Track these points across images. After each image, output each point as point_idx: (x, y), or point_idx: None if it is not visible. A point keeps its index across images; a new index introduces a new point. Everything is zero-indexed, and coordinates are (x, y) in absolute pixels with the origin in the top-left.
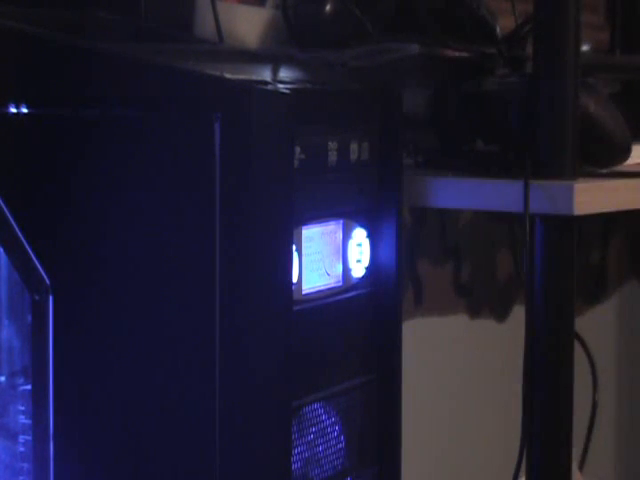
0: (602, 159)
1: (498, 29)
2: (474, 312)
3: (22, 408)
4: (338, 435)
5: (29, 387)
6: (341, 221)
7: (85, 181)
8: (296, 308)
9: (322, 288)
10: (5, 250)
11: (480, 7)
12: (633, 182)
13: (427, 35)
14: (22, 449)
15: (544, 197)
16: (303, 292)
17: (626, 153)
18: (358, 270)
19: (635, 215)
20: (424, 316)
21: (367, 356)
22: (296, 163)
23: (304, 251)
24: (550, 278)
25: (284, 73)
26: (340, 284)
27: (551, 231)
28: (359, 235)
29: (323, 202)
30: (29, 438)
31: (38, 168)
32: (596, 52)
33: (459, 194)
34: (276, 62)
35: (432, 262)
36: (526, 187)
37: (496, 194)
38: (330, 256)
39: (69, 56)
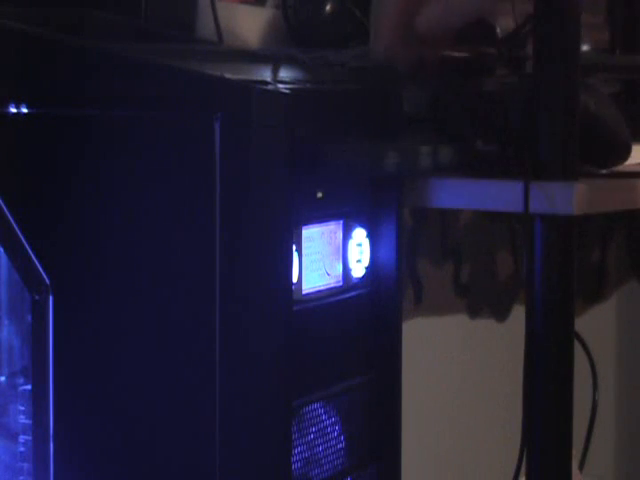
0: (602, 159)
1: (498, 29)
2: (474, 312)
3: (22, 408)
4: (338, 435)
5: (29, 387)
6: (341, 221)
7: (85, 181)
8: (296, 308)
9: (322, 288)
10: (5, 250)
11: None
12: (633, 182)
13: None
14: (22, 449)
15: (544, 197)
16: (303, 292)
17: (626, 153)
18: (358, 270)
19: (635, 215)
20: (424, 316)
21: (367, 356)
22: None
23: (304, 251)
24: (550, 278)
25: (284, 73)
26: (340, 284)
27: (551, 231)
28: (359, 235)
29: (323, 202)
30: (29, 438)
31: (38, 168)
32: (596, 52)
33: (459, 194)
34: (276, 62)
35: (432, 262)
36: (526, 187)
37: (496, 194)
38: (330, 256)
39: (69, 56)
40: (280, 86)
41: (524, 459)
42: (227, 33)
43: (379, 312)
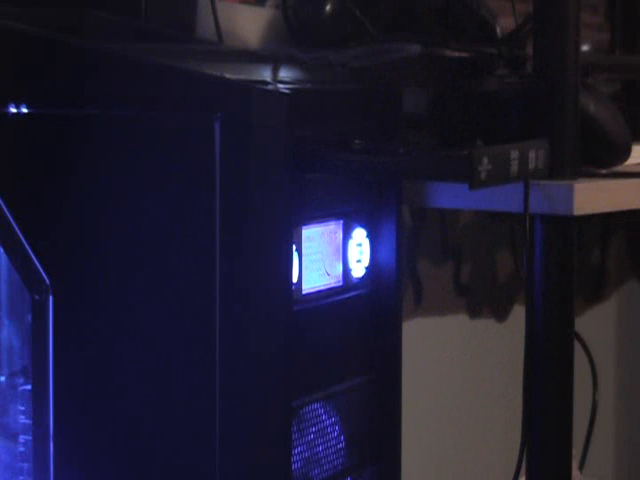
0: (602, 159)
1: (498, 29)
2: (474, 312)
3: (22, 408)
4: (338, 435)
5: (29, 387)
6: (341, 221)
7: (85, 181)
8: (296, 308)
9: (322, 288)
10: (5, 250)
11: (480, 7)
12: (633, 182)
13: (427, 35)
14: (22, 449)
15: (544, 197)
16: (303, 292)
17: (626, 153)
18: (358, 270)
19: (635, 215)
20: (424, 316)
21: (367, 356)
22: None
23: (304, 251)
24: (550, 278)
25: (284, 73)
26: (340, 284)
27: (551, 231)
28: (359, 235)
29: (323, 202)
30: (29, 438)
31: (38, 168)
32: (596, 52)
33: (459, 194)
34: (276, 62)
35: (432, 262)
36: (526, 187)
37: (496, 194)
38: (330, 256)
39: (69, 56)
40: (280, 86)
41: (524, 459)
42: (227, 33)
43: (379, 312)
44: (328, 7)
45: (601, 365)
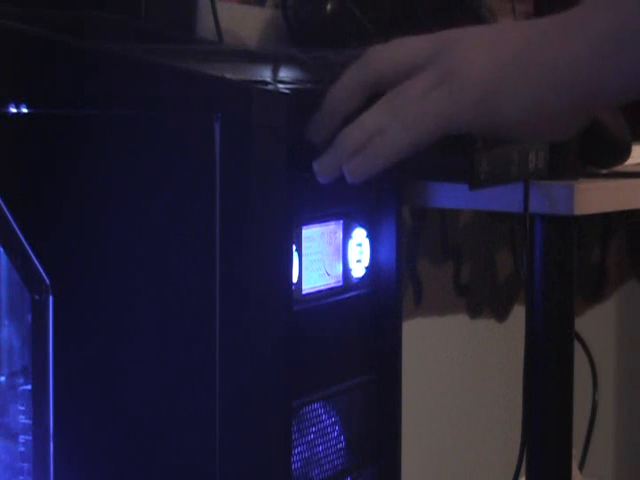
0: (602, 159)
1: None
2: (474, 312)
3: (22, 408)
4: (338, 435)
5: (29, 387)
6: (341, 221)
7: (85, 181)
8: (296, 308)
9: (322, 288)
10: (5, 250)
11: (480, 7)
12: (633, 182)
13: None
14: (22, 449)
15: (544, 197)
16: (303, 292)
17: (626, 153)
18: (358, 270)
19: (635, 215)
20: (424, 316)
21: (367, 356)
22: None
23: (304, 251)
24: (550, 278)
25: (284, 73)
26: (340, 284)
27: (551, 231)
28: (359, 235)
29: (323, 202)
30: (29, 438)
31: (38, 168)
32: None
33: (459, 194)
34: (276, 62)
35: (432, 262)
36: (526, 187)
37: (496, 194)
38: (330, 256)
39: (69, 56)
40: (280, 86)
41: (524, 459)
42: (227, 33)
43: (379, 312)
44: (328, 7)
45: (601, 365)
